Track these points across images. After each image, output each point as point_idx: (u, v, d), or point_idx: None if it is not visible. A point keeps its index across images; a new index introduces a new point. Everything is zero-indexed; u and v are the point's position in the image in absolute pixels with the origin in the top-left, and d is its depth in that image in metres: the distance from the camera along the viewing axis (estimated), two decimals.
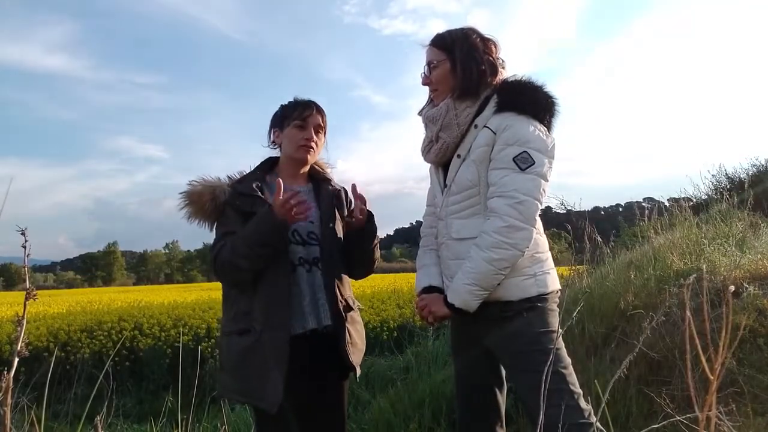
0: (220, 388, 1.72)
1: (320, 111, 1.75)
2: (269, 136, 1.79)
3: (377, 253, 1.80)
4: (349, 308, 1.71)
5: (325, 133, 1.78)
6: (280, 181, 1.57)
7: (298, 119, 1.71)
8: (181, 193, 1.67)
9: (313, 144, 1.72)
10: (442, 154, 1.62)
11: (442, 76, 1.61)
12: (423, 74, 1.66)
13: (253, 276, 1.59)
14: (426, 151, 1.68)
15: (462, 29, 1.62)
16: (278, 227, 1.54)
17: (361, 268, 1.82)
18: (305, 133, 1.71)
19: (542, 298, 1.52)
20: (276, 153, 1.81)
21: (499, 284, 1.49)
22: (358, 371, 1.71)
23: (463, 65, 1.56)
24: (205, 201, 1.64)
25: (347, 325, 1.67)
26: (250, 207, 1.62)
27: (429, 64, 1.63)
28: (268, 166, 1.80)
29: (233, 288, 1.67)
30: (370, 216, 1.72)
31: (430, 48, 1.64)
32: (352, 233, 1.74)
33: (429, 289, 1.65)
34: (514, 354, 1.54)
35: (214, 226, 1.69)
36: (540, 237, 1.57)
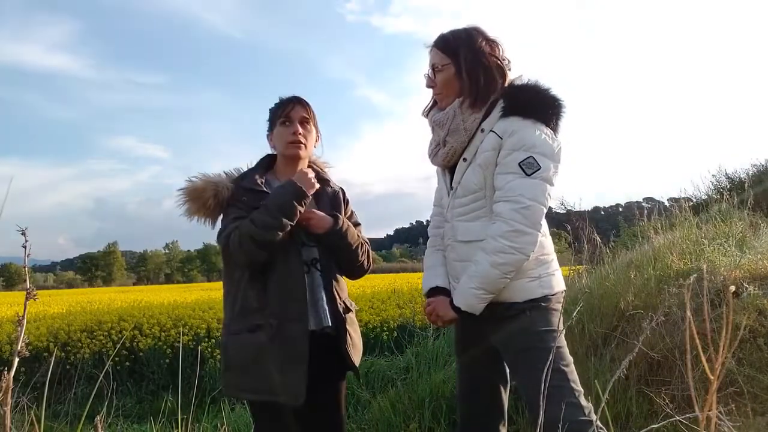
0: (226, 388, 1.68)
1: (302, 103, 1.73)
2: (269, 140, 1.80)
3: (359, 260, 1.75)
4: (347, 309, 1.71)
5: (315, 125, 1.76)
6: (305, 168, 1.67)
7: (282, 116, 1.70)
8: (180, 189, 1.65)
9: (300, 137, 1.70)
10: (449, 158, 1.62)
11: (446, 80, 1.59)
12: (427, 76, 1.64)
13: (265, 255, 1.56)
14: (433, 155, 1.68)
15: (466, 30, 1.60)
16: (301, 194, 1.58)
17: (347, 271, 1.80)
18: (291, 128, 1.69)
19: (546, 298, 1.54)
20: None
21: (503, 286, 1.50)
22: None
23: (468, 71, 1.55)
24: (207, 197, 1.62)
25: (347, 326, 1.67)
26: (258, 202, 1.60)
27: (433, 67, 1.62)
28: (266, 164, 1.79)
29: (245, 270, 1.62)
30: (330, 228, 1.65)
31: (434, 50, 1.62)
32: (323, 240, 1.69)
33: (435, 290, 1.66)
34: (516, 351, 1.55)
35: (218, 220, 1.68)
36: (545, 239, 1.58)
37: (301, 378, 1.53)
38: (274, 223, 1.53)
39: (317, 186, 1.64)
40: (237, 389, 1.66)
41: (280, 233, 1.55)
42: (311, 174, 1.63)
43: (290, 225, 1.57)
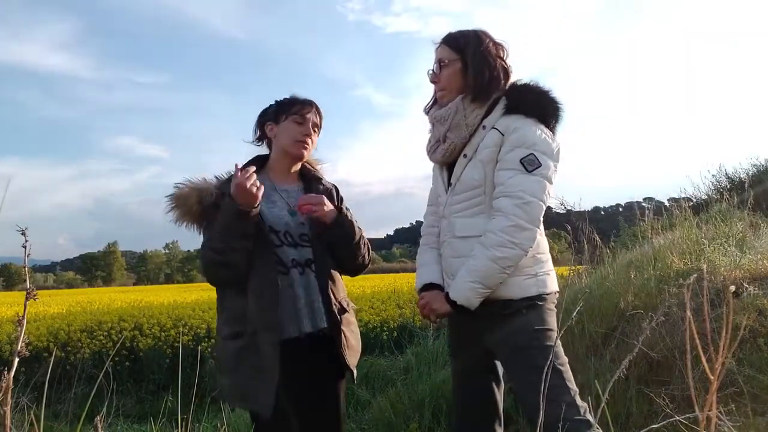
0: (219, 391, 1.71)
1: (319, 111, 1.75)
2: (255, 131, 1.77)
3: (361, 254, 1.74)
4: (343, 310, 1.69)
5: (318, 134, 1.77)
6: (237, 164, 1.55)
7: (297, 114, 1.70)
8: (167, 196, 1.66)
9: (309, 141, 1.71)
10: (449, 154, 1.63)
11: (451, 75, 1.61)
12: (432, 72, 1.66)
13: (237, 273, 1.57)
14: (432, 151, 1.69)
15: (475, 31, 1.62)
16: (240, 212, 1.51)
17: (347, 269, 1.80)
18: (303, 129, 1.70)
19: (542, 297, 1.54)
20: (264, 151, 1.79)
21: (501, 283, 1.50)
22: (355, 373, 1.70)
23: (475, 68, 1.57)
24: (191, 203, 1.63)
25: (342, 327, 1.65)
26: None
27: (440, 62, 1.63)
28: (258, 165, 1.75)
29: (224, 288, 1.67)
30: (337, 219, 1.66)
31: (442, 46, 1.64)
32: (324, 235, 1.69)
33: (429, 286, 1.66)
34: (512, 351, 1.55)
35: (203, 228, 1.68)
36: (542, 238, 1.59)
37: (270, 388, 1.52)
38: (226, 247, 1.54)
39: (260, 193, 1.52)
40: (225, 394, 1.67)
41: (237, 253, 1.55)
42: (250, 182, 1.49)
43: (244, 242, 1.55)
